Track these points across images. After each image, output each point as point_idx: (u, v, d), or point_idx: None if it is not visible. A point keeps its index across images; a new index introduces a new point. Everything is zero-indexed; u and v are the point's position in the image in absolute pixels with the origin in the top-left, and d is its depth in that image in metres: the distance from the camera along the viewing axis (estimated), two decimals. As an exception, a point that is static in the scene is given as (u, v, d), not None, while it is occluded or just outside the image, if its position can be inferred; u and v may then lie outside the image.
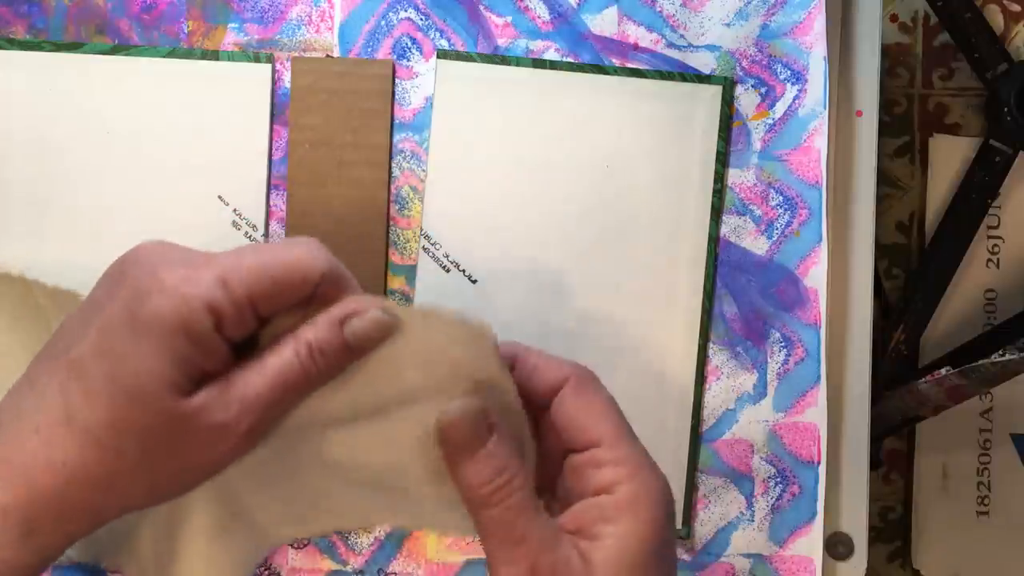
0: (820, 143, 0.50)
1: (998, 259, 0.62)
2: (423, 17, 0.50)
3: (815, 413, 0.50)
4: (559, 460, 0.36)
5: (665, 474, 0.35)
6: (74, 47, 0.49)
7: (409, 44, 0.50)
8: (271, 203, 0.50)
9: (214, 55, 0.49)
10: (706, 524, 0.50)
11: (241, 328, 0.33)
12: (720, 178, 0.50)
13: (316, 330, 0.33)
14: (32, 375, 0.34)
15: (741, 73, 0.50)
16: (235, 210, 0.49)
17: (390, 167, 0.50)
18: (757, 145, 0.50)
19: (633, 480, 0.33)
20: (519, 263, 0.50)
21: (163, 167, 0.49)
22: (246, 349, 0.34)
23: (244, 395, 0.32)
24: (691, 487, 0.50)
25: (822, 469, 0.50)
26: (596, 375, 0.36)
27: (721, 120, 0.50)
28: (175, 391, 0.31)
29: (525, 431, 0.35)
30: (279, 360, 0.33)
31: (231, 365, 0.33)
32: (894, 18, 0.62)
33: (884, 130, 0.62)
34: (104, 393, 0.31)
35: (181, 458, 0.33)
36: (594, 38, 0.50)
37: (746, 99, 0.50)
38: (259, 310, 0.33)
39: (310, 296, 0.34)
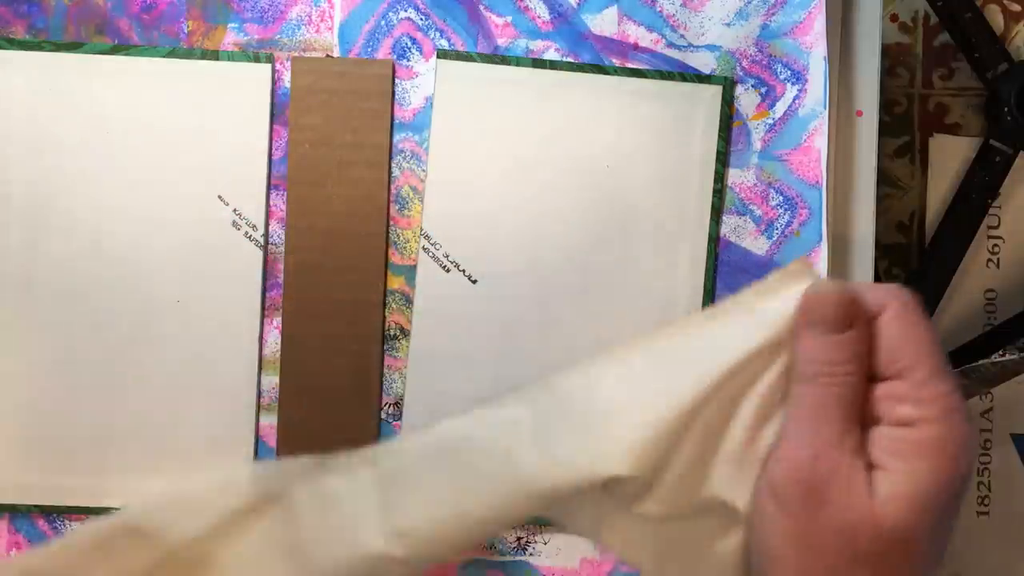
0: (820, 143, 0.50)
1: (998, 259, 0.62)
2: (423, 17, 0.50)
3: (815, 413, 0.50)
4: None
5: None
6: (74, 47, 0.49)
7: (409, 44, 0.50)
8: (271, 203, 0.50)
9: (214, 55, 0.49)
10: (706, 524, 0.50)
11: None
12: (720, 178, 0.50)
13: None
14: None
15: (741, 73, 0.50)
16: (235, 210, 0.49)
17: (390, 167, 0.50)
18: (757, 145, 0.50)
19: (941, 422, 0.30)
20: (519, 263, 0.50)
21: (163, 167, 0.49)
22: None
23: None
24: (691, 487, 0.50)
25: (822, 469, 0.49)
26: (918, 301, 0.33)
27: (721, 120, 0.50)
28: None
29: None
30: None
31: None
32: (894, 18, 0.62)
33: (884, 130, 0.62)
34: None
35: None
36: (594, 38, 0.50)
37: (746, 99, 0.50)
38: None
39: None
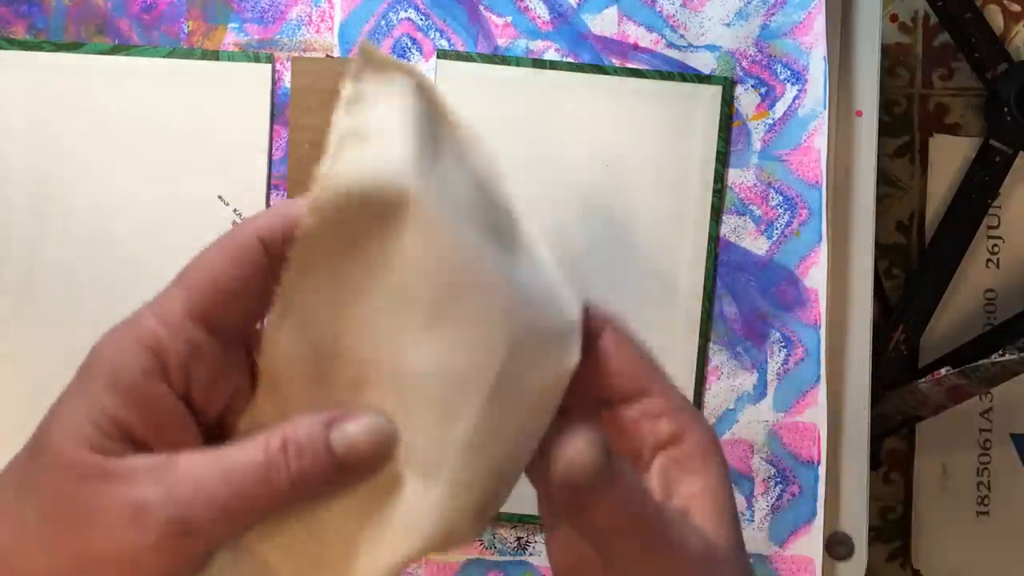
0: (820, 143, 0.50)
1: (998, 259, 0.62)
2: (423, 17, 0.50)
3: (815, 413, 0.50)
4: (594, 413, 0.32)
5: None
6: (74, 47, 0.49)
7: (409, 44, 0.50)
8: (271, 203, 0.50)
9: (214, 55, 0.49)
10: (706, 524, 0.50)
11: (200, 371, 0.28)
12: (720, 178, 0.50)
13: (294, 426, 0.27)
14: None
15: (741, 73, 0.50)
16: (235, 210, 0.49)
17: (390, 167, 0.50)
18: (757, 145, 0.50)
19: (695, 429, 0.30)
20: (519, 263, 0.50)
21: (163, 167, 0.49)
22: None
23: (178, 479, 0.26)
24: (691, 487, 0.50)
25: (822, 469, 0.50)
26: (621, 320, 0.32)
27: (721, 120, 0.50)
28: (84, 443, 0.26)
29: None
30: (240, 453, 0.26)
31: (191, 444, 0.27)
32: (894, 18, 0.62)
33: (884, 130, 0.62)
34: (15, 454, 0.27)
35: (84, 538, 0.26)
36: (594, 38, 0.50)
37: (746, 99, 0.50)
38: (211, 321, 0.28)
39: (269, 278, 0.28)
